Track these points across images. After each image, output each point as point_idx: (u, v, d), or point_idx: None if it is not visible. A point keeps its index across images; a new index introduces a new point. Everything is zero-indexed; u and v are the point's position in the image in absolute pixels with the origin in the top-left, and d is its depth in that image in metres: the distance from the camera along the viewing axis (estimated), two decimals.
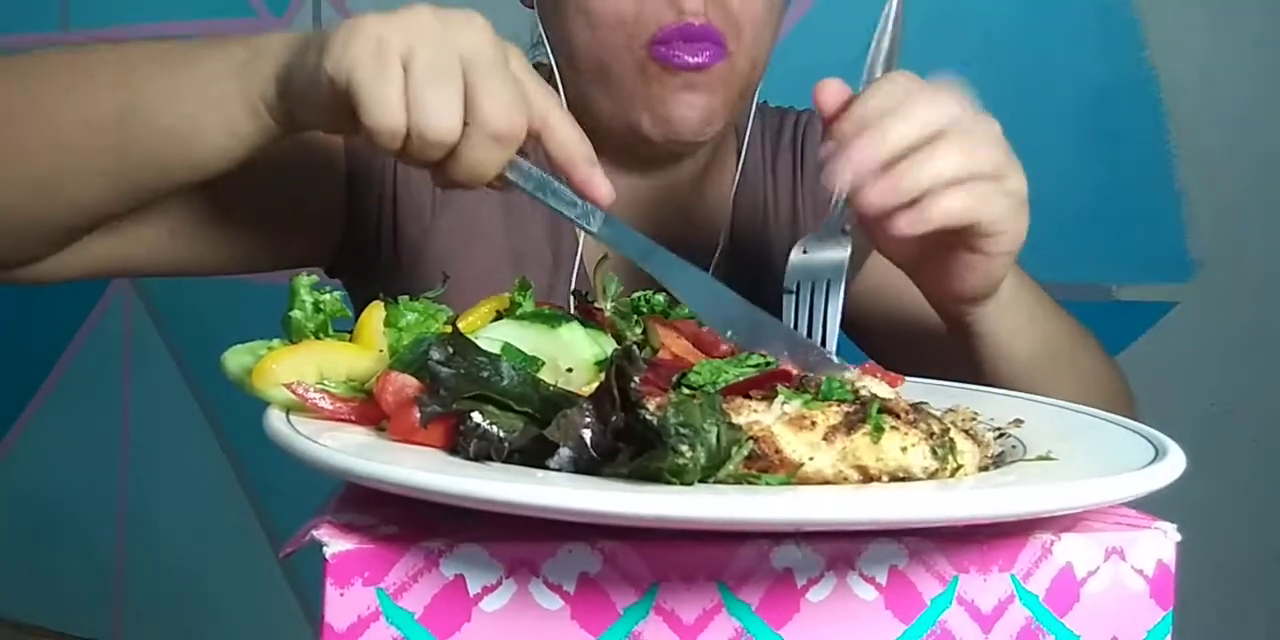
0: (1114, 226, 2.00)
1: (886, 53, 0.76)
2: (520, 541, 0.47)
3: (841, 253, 0.65)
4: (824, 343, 0.65)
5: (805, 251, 0.67)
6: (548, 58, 0.98)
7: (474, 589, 0.47)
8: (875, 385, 0.56)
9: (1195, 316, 2.01)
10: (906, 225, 0.64)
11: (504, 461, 0.49)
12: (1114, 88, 2.00)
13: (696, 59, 0.89)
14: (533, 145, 0.67)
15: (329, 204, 0.96)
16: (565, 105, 0.67)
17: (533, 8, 1.01)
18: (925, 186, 0.64)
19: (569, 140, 0.66)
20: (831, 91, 0.70)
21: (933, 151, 0.64)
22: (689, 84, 0.91)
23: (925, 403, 0.55)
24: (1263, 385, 2.00)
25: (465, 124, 0.62)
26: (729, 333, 0.63)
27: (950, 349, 0.83)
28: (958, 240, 0.70)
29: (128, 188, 0.75)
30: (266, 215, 0.93)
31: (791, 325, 0.66)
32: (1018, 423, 0.61)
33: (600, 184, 0.66)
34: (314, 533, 0.47)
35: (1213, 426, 1.97)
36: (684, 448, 0.45)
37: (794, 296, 0.65)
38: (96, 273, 0.86)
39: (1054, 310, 0.90)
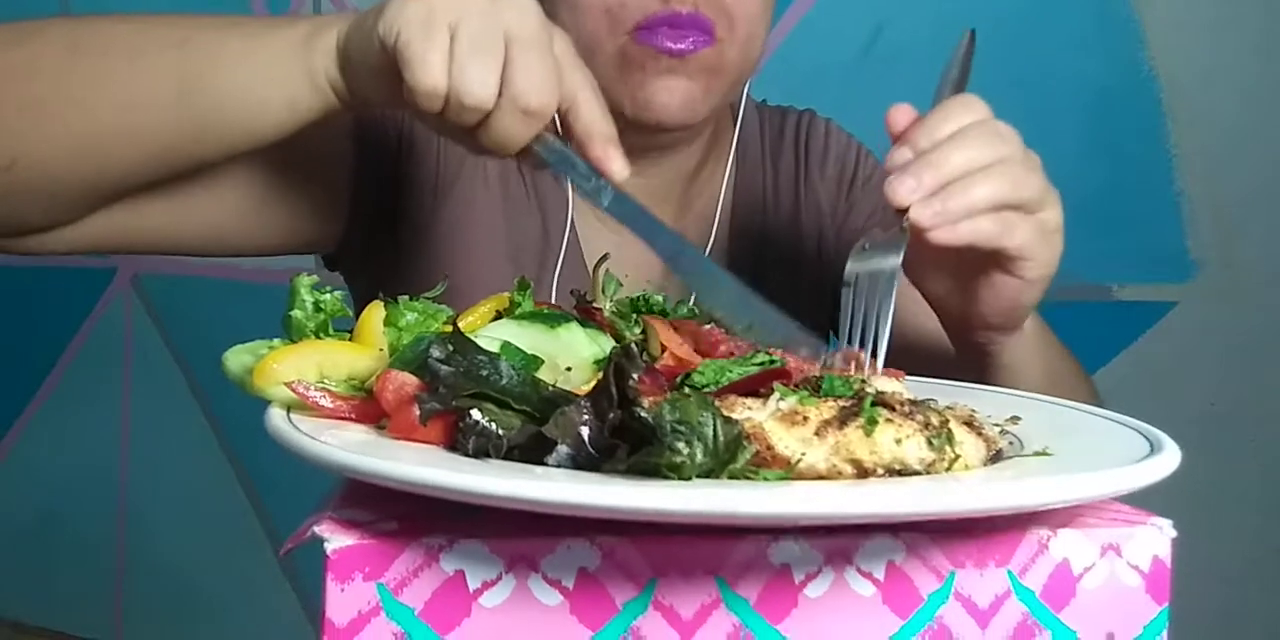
0: (1114, 226, 2.00)
1: (956, 81, 0.82)
2: (519, 537, 0.47)
3: (899, 247, 0.70)
4: (878, 331, 0.69)
5: (865, 247, 0.72)
6: None
7: (474, 584, 0.47)
8: (882, 381, 0.56)
9: (1195, 316, 2.02)
10: (939, 236, 0.70)
11: (502, 458, 0.49)
12: (1114, 88, 2.01)
13: (679, 45, 0.91)
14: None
15: (335, 186, 0.97)
16: (598, 90, 0.71)
17: None
18: (966, 209, 0.70)
19: (593, 118, 0.70)
20: (902, 113, 0.76)
21: (981, 178, 0.70)
22: (670, 69, 0.92)
23: (931, 399, 0.55)
24: (1262, 385, 2.00)
25: (500, 95, 0.66)
26: (719, 313, 0.67)
27: (944, 374, 0.85)
28: (992, 263, 0.75)
29: (175, 154, 0.77)
30: (275, 195, 0.93)
31: (848, 316, 0.70)
32: (1015, 420, 0.61)
33: (614, 159, 0.70)
34: (315, 528, 0.48)
35: (1212, 426, 1.97)
36: (680, 444, 0.45)
37: (851, 289, 0.70)
38: (100, 245, 0.86)
39: (1060, 348, 0.93)
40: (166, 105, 0.74)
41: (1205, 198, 2.00)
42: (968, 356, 0.85)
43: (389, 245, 1.00)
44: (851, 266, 0.71)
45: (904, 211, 0.69)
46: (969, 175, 0.70)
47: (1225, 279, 2.01)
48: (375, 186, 0.98)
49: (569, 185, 0.74)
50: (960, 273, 0.79)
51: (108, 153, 0.76)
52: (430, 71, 0.65)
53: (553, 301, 0.97)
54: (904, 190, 0.69)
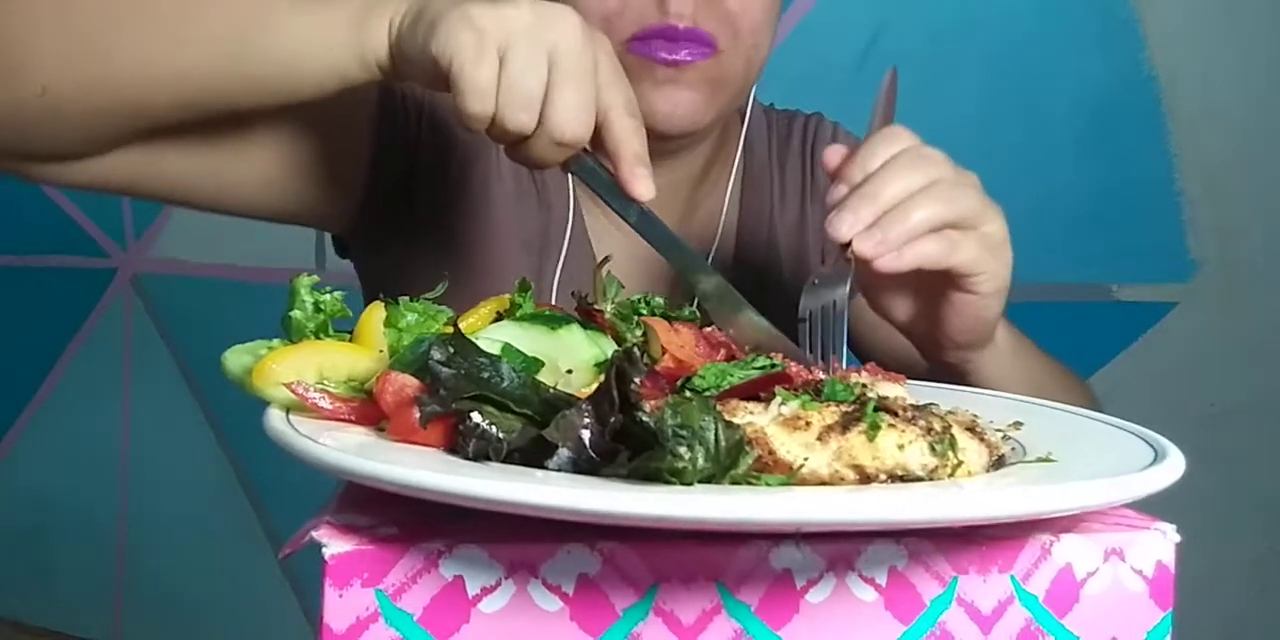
0: (1114, 226, 2.01)
1: (883, 116, 0.85)
2: (519, 542, 0.47)
3: (845, 277, 0.73)
4: (835, 351, 0.72)
5: (815, 282, 0.75)
6: None
7: (473, 590, 0.47)
8: (885, 385, 0.56)
9: (1195, 316, 2.02)
10: (885, 264, 0.72)
11: (503, 461, 0.49)
12: (1114, 88, 2.01)
13: (673, 56, 0.91)
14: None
15: (356, 156, 0.98)
16: (635, 105, 0.73)
17: None
18: (907, 234, 0.72)
19: (623, 138, 0.72)
20: (834, 152, 0.79)
21: (916, 202, 0.73)
22: (670, 79, 0.92)
23: (933, 403, 0.55)
24: (1263, 385, 2.00)
25: (538, 123, 0.70)
26: (730, 331, 0.70)
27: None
28: (946, 283, 0.77)
29: (214, 99, 0.79)
30: (295, 156, 0.94)
31: (807, 349, 0.73)
32: (1017, 425, 0.61)
33: (639, 181, 0.72)
34: (313, 533, 0.47)
35: (1212, 426, 1.97)
36: (682, 449, 0.44)
37: (807, 324, 0.73)
38: (113, 183, 0.86)
39: (1042, 358, 0.94)
40: (214, 54, 0.76)
41: (1205, 198, 2.00)
42: (945, 376, 0.86)
43: (403, 235, 1.00)
44: (804, 303, 0.74)
45: (848, 246, 0.72)
46: (904, 202, 0.73)
47: (1225, 279, 2.01)
48: (395, 162, 0.99)
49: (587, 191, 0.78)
50: (918, 297, 0.81)
51: (146, 91, 0.78)
52: (480, 99, 0.69)
53: (555, 293, 0.98)
54: (844, 226, 0.72)
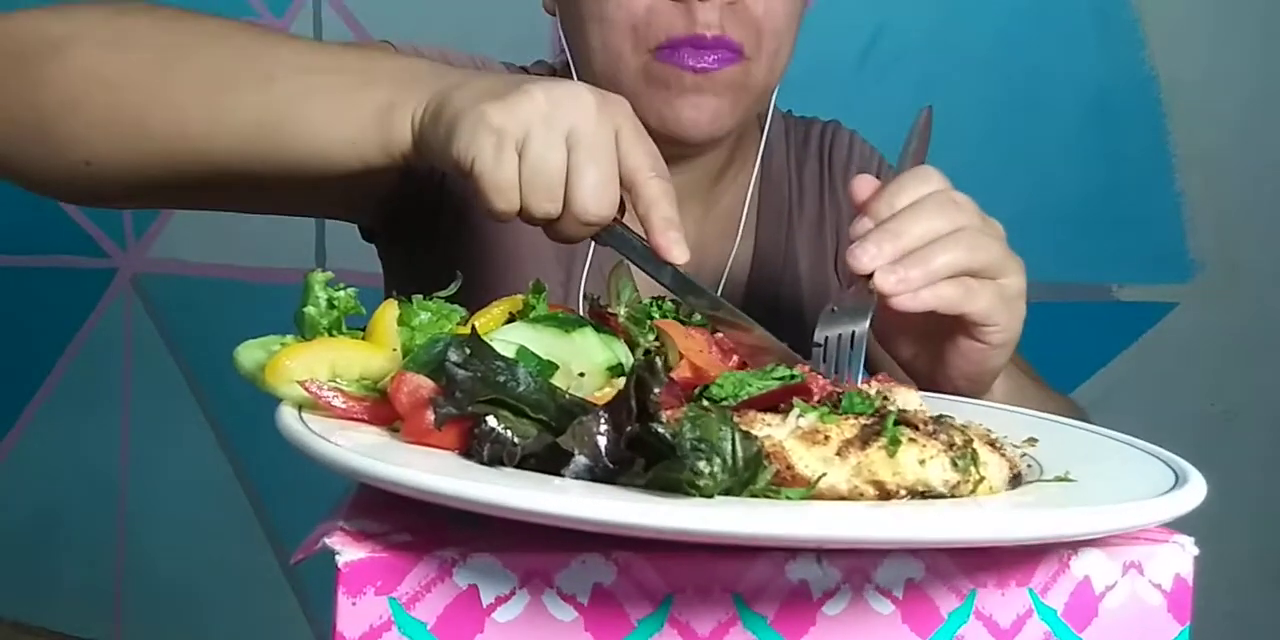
0: (1114, 226, 2.01)
1: (915, 154, 0.85)
2: (534, 551, 0.47)
3: (866, 310, 0.73)
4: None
5: (834, 310, 0.74)
6: (569, 63, 1.01)
7: (487, 599, 0.46)
8: (904, 395, 0.56)
9: (1195, 316, 2.02)
10: (901, 302, 0.73)
11: (517, 467, 0.49)
12: (1114, 88, 2.01)
13: (701, 63, 0.92)
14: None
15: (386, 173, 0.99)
16: (661, 163, 0.73)
17: (554, 15, 1.03)
18: (927, 276, 0.73)
19: (653, 203, 0.72)
20: (864, 182, 0.79)
21: (940, 247, 0.73)
22: (696, 86, 0.93)
23: (949, 415, 0.54)
24: (1263, 385, 2.00)
25: (563, 207, 0.71)
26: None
27: None
28: (956, 328, 0.78)
29: (246, 175, 0.80)
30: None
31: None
32: (1032, 441, 0.60)
33: (672, 248, 0.71)
34: (326, 540, 0.47)
35: (1212, 426, 1.98)
36: (701, 463, 0.44)
37: (823, 350, 0.73)
38: (151, 206, 0.94)
39: (1039, 399, 0.93)
40: (244, 138, 0.77)
41: (1205, 198, 2.01)
42: None
43: (431, 230, 1.02)
44: (820, 330, 0.74)
45: (869, 277, 0.72)
46: (928, 244, 0.73)
47: (1225, 279, 2.01)
48: (422, 176, 1.00)
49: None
50: (926, 338, 0.82)
51: (183, 165, 0.80)
52: (505, 199, 0.70)
53: (583, 291, 0.98)
54: (865, 258, 0.72)
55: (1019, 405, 0.88)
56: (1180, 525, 0.51)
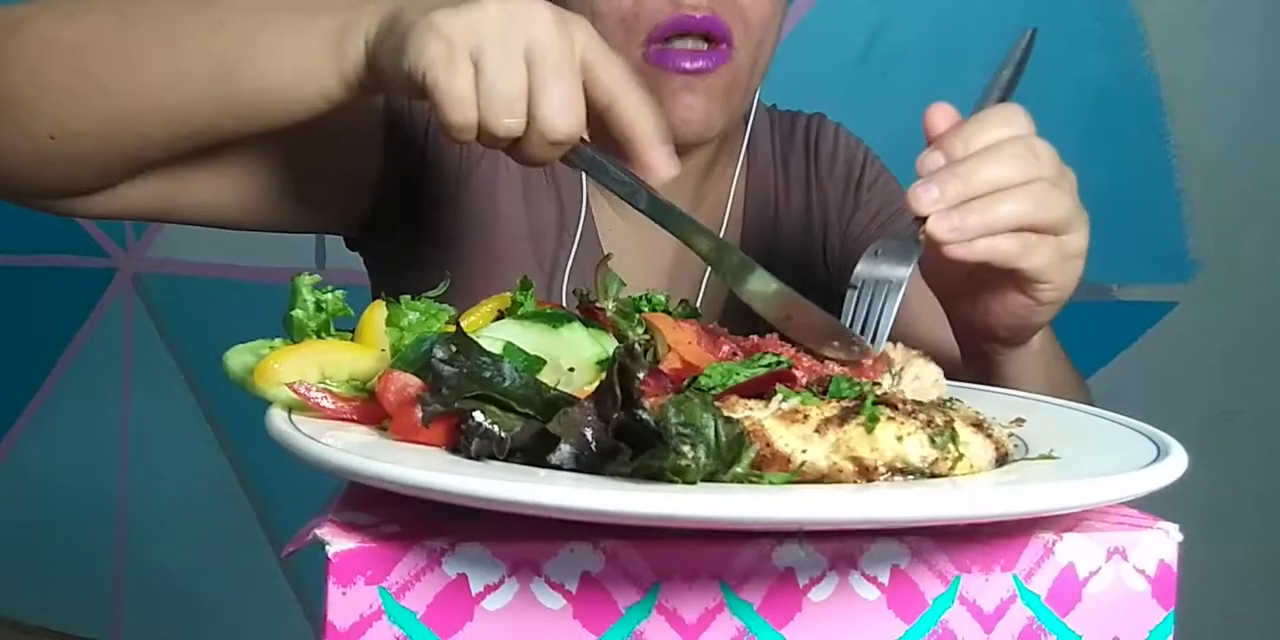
0: (1114, 226, 2.00)
1: (1005, 84, 0.80)
2: (522, 541, 0.47)
3: (910, 257, 0.70)
4: (874, 340, 0.69)
5: (877, 253, 0.71)
6: None
7: (476, 588, 0.47)
8: (919, 363, 0.55)
9: (1195, 316, 2.02)
10: (953, 251, 0.69)
11: (505, 460, 0.49)
12: (1114, 88, 2.01)
13: (694, 65, 0.92)
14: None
15: (365, 168, 0.99)
16: (637, 79, 0.70)
17: None
18: (984, 227, 0.69)
19: (634, 119, 0.69)
20: (942, 114, 0.75)
21: (1006, 197, 0.69)
22: (689, 86, 0.93)
23: (954, 399, 0.54)
24: (1263, 384, 2.00)
25: (527, 125, 0.67)
26: (759, 306, 0.68)
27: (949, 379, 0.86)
28: (1008, 280, 0.74)
29: (213, 129, 0.80)
30: (307, 173, 0.95)
31: (849, 319, 0.70)
32: (1019, 422, 0.61)
33: (663, 161, 0.70)
34: (316, 532, 0.48)
35: (1214, 425, 1.97)
36: (685, 448, 0.44)
37: (856, 292, 0.70)
38: (136, 213, 0.89)
39: (1065, 361, 0.92)
40: (203, 86, 0.77)
41: (1205, 198, 2.01)
42: (972, 361, 0.85)
43: (412, 227, 1.01)
44: (860, 269, 0.71)
45: (923, 219, 0.69)
46: (994, 192, 0.69)
47: (1225, 279, 2.01)
48: (401, 169, 1.00)
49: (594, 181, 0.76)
50: (975, 283, 0.78)
51: (147, 127, 0.79)
52: (460, 110, 0.67)
53: (567, 288, 0.98)
54: (926, 199, 0.68)
55: (1051, 365, 0.87)
56: (1181, 522, 0.51)
